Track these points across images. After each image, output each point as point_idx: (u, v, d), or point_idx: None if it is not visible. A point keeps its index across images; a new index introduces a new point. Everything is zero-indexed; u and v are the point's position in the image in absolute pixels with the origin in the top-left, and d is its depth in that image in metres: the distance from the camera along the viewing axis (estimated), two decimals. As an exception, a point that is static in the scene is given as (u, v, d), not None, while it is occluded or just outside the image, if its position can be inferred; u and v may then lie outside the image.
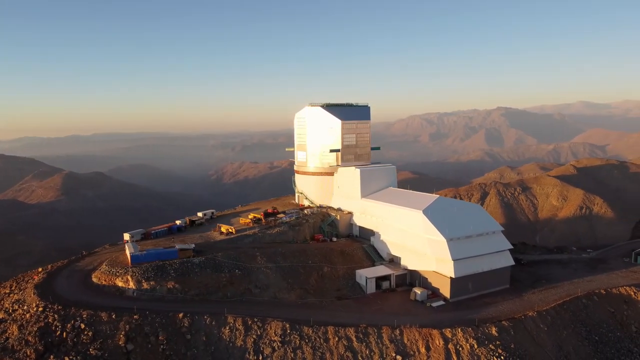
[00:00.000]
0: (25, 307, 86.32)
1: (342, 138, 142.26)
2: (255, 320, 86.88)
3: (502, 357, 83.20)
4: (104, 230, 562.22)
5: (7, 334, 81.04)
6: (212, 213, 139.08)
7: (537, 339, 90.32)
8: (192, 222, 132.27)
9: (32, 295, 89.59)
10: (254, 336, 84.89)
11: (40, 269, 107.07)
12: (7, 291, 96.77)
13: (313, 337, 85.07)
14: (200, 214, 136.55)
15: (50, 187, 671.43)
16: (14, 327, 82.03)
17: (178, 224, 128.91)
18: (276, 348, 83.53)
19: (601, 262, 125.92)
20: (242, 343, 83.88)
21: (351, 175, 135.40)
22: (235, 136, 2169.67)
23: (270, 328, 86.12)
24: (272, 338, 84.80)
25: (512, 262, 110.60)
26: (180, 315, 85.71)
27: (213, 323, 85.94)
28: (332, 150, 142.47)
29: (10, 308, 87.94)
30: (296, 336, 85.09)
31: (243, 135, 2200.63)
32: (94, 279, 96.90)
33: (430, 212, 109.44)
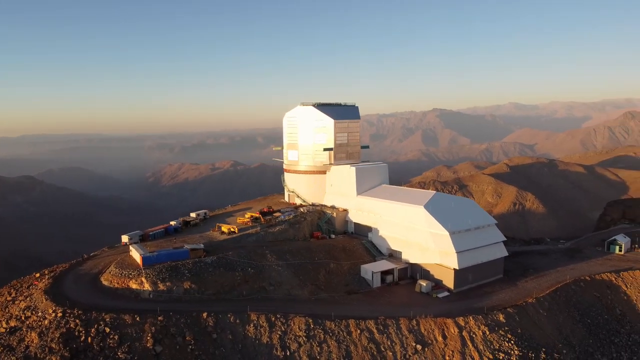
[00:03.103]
0: (40, 314, 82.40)
1: (335, 137, 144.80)
2: (278, 316, 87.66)
3: (512, 342, 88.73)
4: (38, 237, 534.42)
5: (26, 342, 77.20)
6: (205, 213, 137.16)
7: (538, 323, 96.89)
8: (187, 222, 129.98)
9: (45, 300, 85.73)
10: (279, 332, 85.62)
11: (37, 274, 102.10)
12: (9, 298, 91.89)
13: (336, 331, 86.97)
14: (193, 214, 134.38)
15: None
16: (32, 334, 78.22)
17: (173, 224, 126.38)
18: (302, 343, 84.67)
19: (577, 252, 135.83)
20: (268, 340, 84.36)
21: (346, 174, 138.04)
22: (173, 137, 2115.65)
23: (294, 324, 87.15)
24: (297, 333, 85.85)
25: (506, 253, 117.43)
26: (205, 314, 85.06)
27: (237, 321, 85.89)
28: (325, 149, 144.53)
29: (22, 315, 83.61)
30: (320, 330, 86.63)
31: (181, 135, 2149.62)
32: (105, 282, 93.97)
33: (431, 207, 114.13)
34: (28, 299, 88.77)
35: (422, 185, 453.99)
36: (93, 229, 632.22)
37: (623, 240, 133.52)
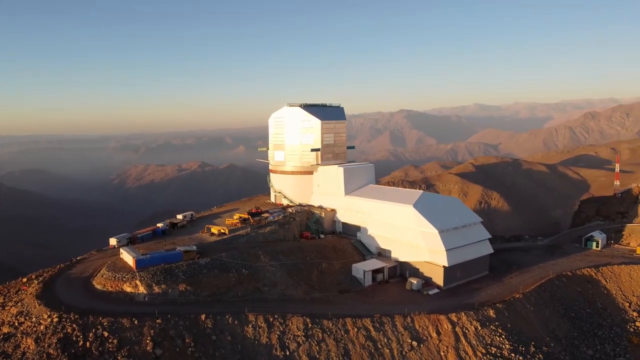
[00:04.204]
0: (35, 319, 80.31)
1: (322, 137, 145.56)
2: (276, 316, 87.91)
3: (502, 336, 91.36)
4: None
5: (22, 349, 75.17)
6: (192, 215, 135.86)
7: (526, 318, 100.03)
8: (174, 224, 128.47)
9: (38, 305, 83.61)
10: (278, 332, 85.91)
11: (24, 279, 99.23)
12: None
13: (334, 330, 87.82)
14: (180, 216, 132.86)
15: None
16: (28, 340, 76.22)
17: (160, 227, 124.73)
18: (301, 342, 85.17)
19: (556, 248, 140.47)
20: (267, 340, 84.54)
21: (334, 174, 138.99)
22: (138, 137, 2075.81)
23: (292, 323, 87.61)
24: (296, 333, 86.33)
25: (492, 251, 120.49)
26: (203, 316, 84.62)
27: (235, 322, 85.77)
28: (312, 150, 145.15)
29: (15, 321, 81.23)
30: (318, 330, 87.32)
31: (147, 136, 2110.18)
32: (97, 286, 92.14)
33: (420, 206, 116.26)
34: (19, 304, 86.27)
35: (391, 185, 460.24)
36: (57, 233, 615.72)
37: (599, 237, 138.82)
